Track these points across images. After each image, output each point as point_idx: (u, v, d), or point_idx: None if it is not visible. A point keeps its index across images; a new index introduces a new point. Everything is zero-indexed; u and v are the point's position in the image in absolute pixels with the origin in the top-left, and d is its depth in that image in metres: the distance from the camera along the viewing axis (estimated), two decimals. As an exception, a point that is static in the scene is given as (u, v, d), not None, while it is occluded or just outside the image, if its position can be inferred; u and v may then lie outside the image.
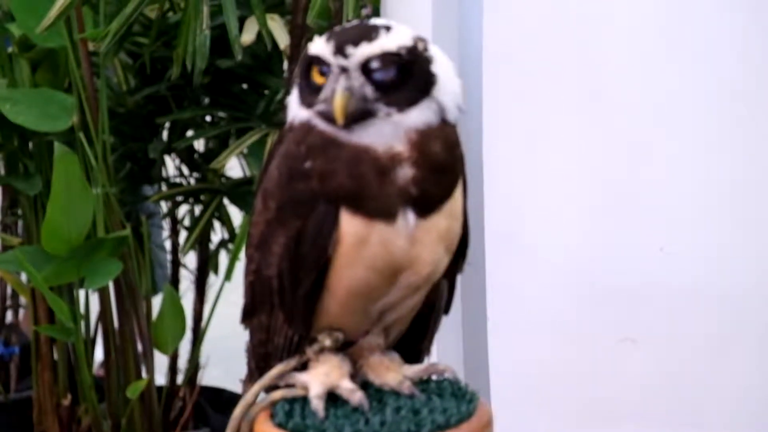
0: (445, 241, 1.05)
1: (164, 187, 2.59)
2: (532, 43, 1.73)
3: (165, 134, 2.55)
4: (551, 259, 1.74)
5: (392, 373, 1.10)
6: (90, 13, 2.16)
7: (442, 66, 1.03)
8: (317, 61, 1.03)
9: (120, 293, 2.32)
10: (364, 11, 1.94)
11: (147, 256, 2.35)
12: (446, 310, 1.18)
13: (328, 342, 1.08)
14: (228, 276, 2.39)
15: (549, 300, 1.74)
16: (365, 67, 1.01)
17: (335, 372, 1.08)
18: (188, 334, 2.52)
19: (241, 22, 2.05)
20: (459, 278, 1.18)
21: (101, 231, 2.16)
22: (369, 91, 1.00)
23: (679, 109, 1.68)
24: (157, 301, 2.45)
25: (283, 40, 2.06)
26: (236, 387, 2.53)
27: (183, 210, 2.67)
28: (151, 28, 2.22)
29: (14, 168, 2.42)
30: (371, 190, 0.99)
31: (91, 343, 2.41)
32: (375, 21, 1.03)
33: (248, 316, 1.15)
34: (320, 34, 1.04)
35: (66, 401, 2.46)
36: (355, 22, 1.05)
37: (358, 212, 1.01)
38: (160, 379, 2.56)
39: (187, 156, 2.58)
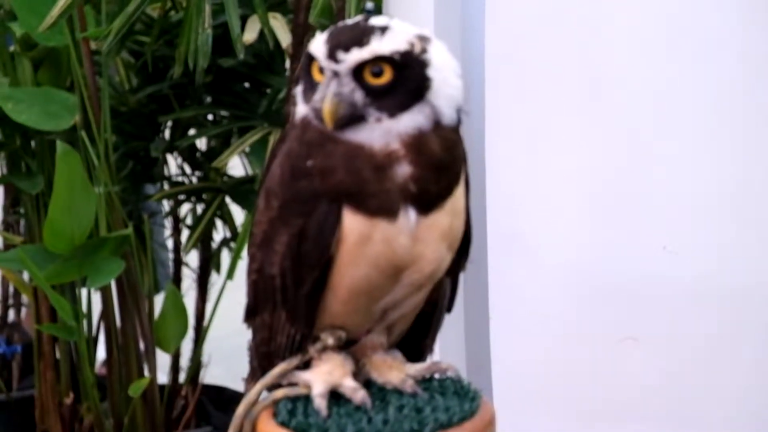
0: (448, 239, 1.05)
1: (166, 186, 2.60)
2: (535, 42, 1.73)
3: (167, 133, 2.55)
4: (553, 257, 1.74)
5: (395, 371, 1.10)
6: (92, 12, 2.16)
7: (440, 68, 1.02)
8: (315, 59, 1.03)
9: (122, 292, 2.32)
10: (369, 3, 1.93)
11: (149, 254, 2.35)
12: (449, 309, 1.18)
13: (330, 340, 1.08)
14: (230, 275, 2.39)
15: (551, 298, 1.74)
16: (356, 73, 1.00)
17: (338, 370, 1.08)
18: (190, 333, 2.53)
19: (243, 20, 2.05)
20: (461, 277, 1.18)
21: (103, 230, 2.16)
22: (359, 96, 1.00)
23: (681, 108, 1.68)
24: (159, 300, 2.46)
25: (285, 38, 2.06)
26: (238, 385, 2.53)
27: (185, 209, 2.67)
28: (153, 27, 2.22)
29: (16, 167, 2.42)
30: (370, 187, 0.99)
31: (93, 342, 2.41)
32: (374, 20, 1.02)
33: (251, 314, 1.15)
34: (323, 32, 1.04)
35: (68, 400, 2.46)
36: (355, 19, 1.04)
37: (360, 210, 1.00)
38: (163, 377, 2.56)
39: (189, 155, 2.58)
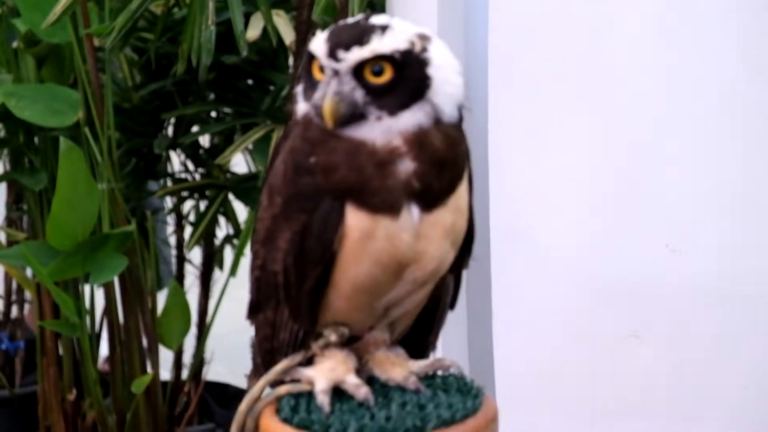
0: (451, 236, 1.05)
1: (169, 183, 2.60)
2: (537, 40, 1.73)
3: (170, 130, 2.55)
4: (556, 255, 1.74)
5: (398, 368, 1.10)
6: (95, 9, 2.17)
7: (440, 67, 1.02)
8: (316, 57, 1.03)
9: (125, 288, 2.32)
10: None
11: (152, 251, 2.35)
12: (452, 306, 1.18)
13: (333, 337, 1.08)
14: (233, 271, 2.40)
15: (554, 296, 1.74)
16: (356, 72, 1.00)
17: (341, 367, 1.08)
18: (193, 330, 2.53)
19: (247, 18, 2.05)
20: (464, 274, 1.18)
21: (106, 226, 2.16)
22: (360, 95, 1.00)
23: (683, 107, 1.68)
24: (162, 297, 2.46)
25: (288, 36, 2.06)
26: (241, 382, 2.54)
27: (188, 205, 2.67)
28: (156, 24, 2.22)
29: (20, 163, 2.43)
30: (373, 183, 0.99)
31: (96, 338, 2.42)
32: (374, 19, 1.02)
33: (254, 311, 1.15)
34: (325, 29, 1.04)
35: (71, 396, 2.46)
36: (356, 18, 1.04)
37: (363, 207, 1.00)
38: (165, 374, 2.56)
39: (193, 152, 2.58)
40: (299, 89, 1.06)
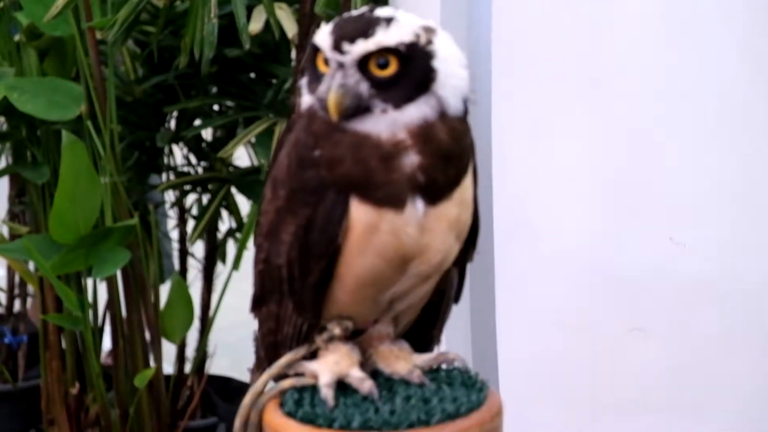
0: (456, 230, 1.05)
1: (172, 176, 2.59)
2: (541, 33, 1.73)
3: (173, 123, 2.55)
4: (560, 248, 1.74)
5: (402, 361, 1.10)
6: (97, 2, 2.15)
7: (445, 59, 1.02)
8: (320, 50, 1.03)
9: (128, 282, 2.32)
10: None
11: (155, 245, 2.35)
12: (456, 299, 1.18)
13: (337, 331, 1.08)
14: (236, 265, 2.39)
15: (558, 289, 1.74)
16: (361, 64, 1.00)
17: (345, 361, 1.08)
18: (196, 323, 2.53)
19: (249, 10, 2.04)
20: (468, 267, 1.17)
21: (109, 220, 2.16)
22: (365, 88, 1.00)
23: (687, 100, 1.68)
24: (165, 290, 2.46)
25: (291, 29, 2.05)
26: (244, 376, 2.54)
27: (191, 199, 2.67)
28: (158, 17, 2.22)
29: (22, 157, 2.42)
30: (378, 177, 0.99)
31: (99, 332, 2.42)
32: (379, 11, 1.02)
33: (257, 305, 1.14)
34: (328, 22, 1.04)
35: (74, 390, 2.46)
36: (360, 10, 1.04)
37: (367, 200, 1.00)
38: (168, 368, 2.56)
39: (195, 145, 2.58)
40: (303, 82, 1.06)
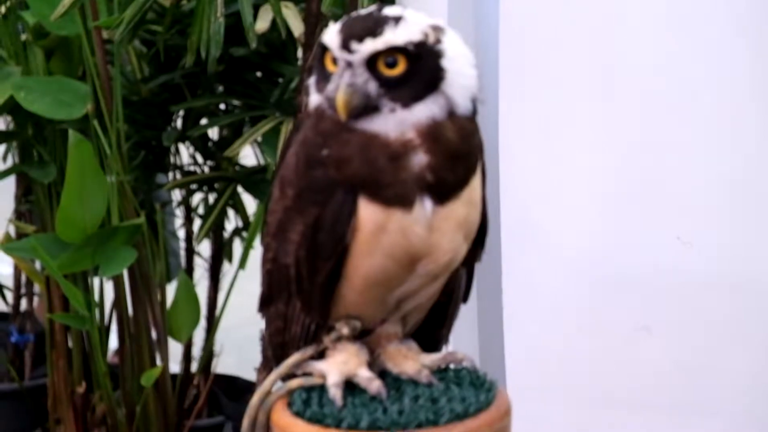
0: (464, 229, 1.05)
1: (178, 176, 2.59)
2: (548, 33, 1.72)
3: (179, 122, 2.55)
4: (567, 248, 1.74)
5: (410, 361, 1.10)
6: (104, 1, 2.16)
7: (454, 58, 1.01)
8: (329, 49, 1.02)
9: (134, 281, 2.32)
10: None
11: (161, 244, 2.35)
12: (465, 299, 1.17)
13: (345, 330, 1.08)
14: (242, 264, 2.39)
15: (565, 289, 1.74)
16: (370, 63, 1.00)
17: (353, 360, 1.08)
18: (202, 322, 2.53)
19: (256, 9, 2.04)
20: (476, 267, 1.17)
21: (115, 219, 2.16)
22: (373, 87, 1.00)
23: (695, 98, 1.67)
24: (171, 289, 2.46)
25: (297, 27, 2.05)
26: (250, 375, 2.54)
27: (197, 198, 2.67)
28: (165, 16, 2.22)
29: (29, 156, 2.43)
30: (386, 176, 0.99)
31: (105, 331, 2.41)
32: (387, 10, 1.02)
33: (265, 304, 1.14)
34: (335, 21, 1.04)
35: (80, 389, 2.47)
36: (368, 9, 1.03)
37: (376, 199, 1.00)
38: (175, 367, 2.56)
39: (201, 144, 2.58)
40: (311, 81, 1.05)
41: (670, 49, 1.67)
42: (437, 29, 1.01)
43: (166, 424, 2.41)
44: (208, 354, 2.60)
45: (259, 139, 2.27)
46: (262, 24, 2.06)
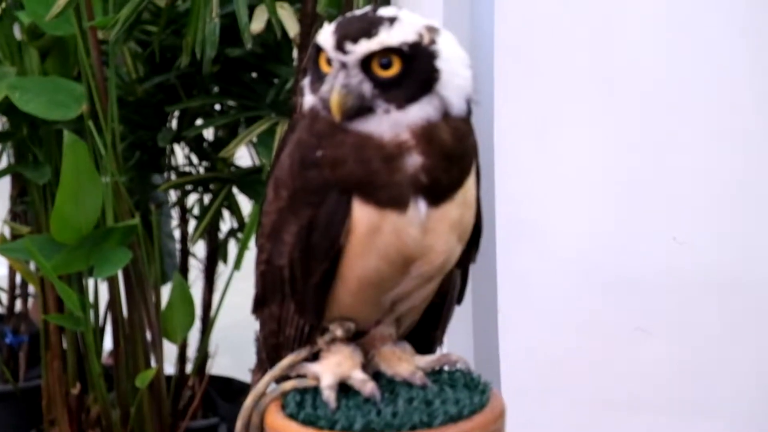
0: (458, 231, 1.04)
1: (173, 176, 2.59)
2: (544, 32, 1.72)
3: (174, 123, 2.55)
4: (563, 248, 1.74)
5: (404, 363, 1.10)
6: (99, 1, 2.15)
7: (449, 59, 1.01)
8: (323, 49, 1.02)
9: (129, 282, 2.32)
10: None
11: (156, 245, 2.34)
12: (459, 301, 1.17)
13: (339, 332, 1.08)
14: (237, 265, 2.39)
15: (560, 290, 1.74)
16: (364, 64, 0.99)
17: (347, 362, 1.07)
18: (197, 324, 2.53)
19: (251, 10, 2.04)
20: (470, 268, 1.17)
21: (110, 220, 2.16)
22: (367, 88, 0.99)
23: (692, 98, 1.67)
24: (166, 290, 2.45)
25: (293, 28, 2.05)
26: (245, 376, 2.53)
27: (192, 199, 2.67)
28: (160, 16, 2.21)
29: (23, 156, 2.42)
30: (380, 177, 0.99)
31: (100, 332, 2.41)
32: (382, 11, 1.01)
33: (259, 306, 1.14)
34: (330, 22, 1.03)
35: (75, 390, 2.46)
36: (363, 9, 1.03)
37: (370, 201, 1.00)
38: (169, 368, 2.56)
39: (197, 145, 2.58)
40: (306, 82, 1.05)
41: (669, 49, 1.67)
42: (432, 30, 1.01)
43: (160, 425, 2.41)
44: (203, 355, 2.59)
45: (255, 139, 2.27)
46: (258, 24, 2.06)
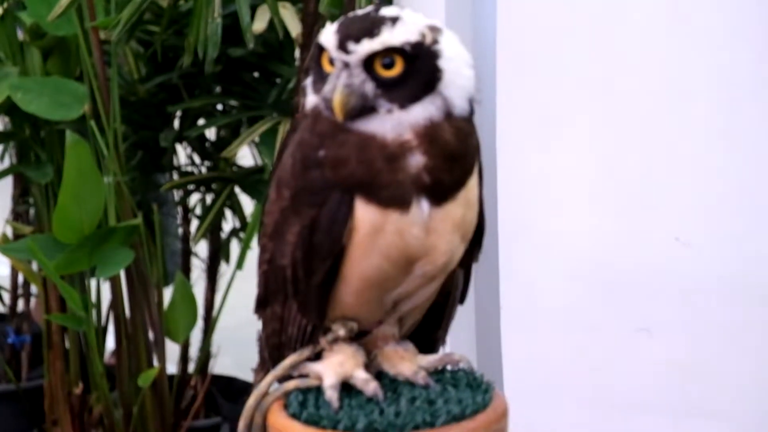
0: (461, 230, 1.04)
1: (176, 176, 2.59)
2: (546, 33, 1.72)
3: (176, 123, 2.55)
4: (565, 249, 1.74)
5: (407, 363, 1.10)
6: (101, 1, 2.15)
7: (451, 59, 1.01)
8: (325, 49, 1.02)
9: (131, 282, 2.32)
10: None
11: (158, 244, 2.34)
12: (462, 300, 1.17)
13: (342, 332, 1.08)
14: (239, 265, 2.39)
15: (563, 290, 1.74)
16: (367, 64, 0.99)
17: (349, 362, 1.07)
18: (199, 323, 2.53)
19: (253, 10, 2.04)
20: (473, 268, 1.17)
21: (113, 220, 2.16)
22: (370, 87, 0.99)
23: (693, 100, 1.67)
24: (168, 290, 2.45)
25: (294, 28, 2.05)
26: (247, 376, 2.53)
27: (194, 199, 2.67)
28: (162, 17, 2.21)
29: (26, 156, 2.42)
30: (383, 177, 0.99)
31: (102, 332, 2.41)
32: (384, 11, 1.01)
33: (262, 305, 1.14)
34: (332, 22, 1.03)
35: (77, 390, 2.46)
36: (365, 9, 1.03)
37: (372, 200, 1.00)
38: (172, 367, 2.56)
39: (199, 145, 2.58)
40: (308, 82, 1.05)
41: (671, 49, 1.67)
42: (434, 30, 1.01)
43: (163, 424, 2.41)
44: (205, 355, 2.60)
45: (257, 139, 2.27)
46: (260, 24, 2.06)
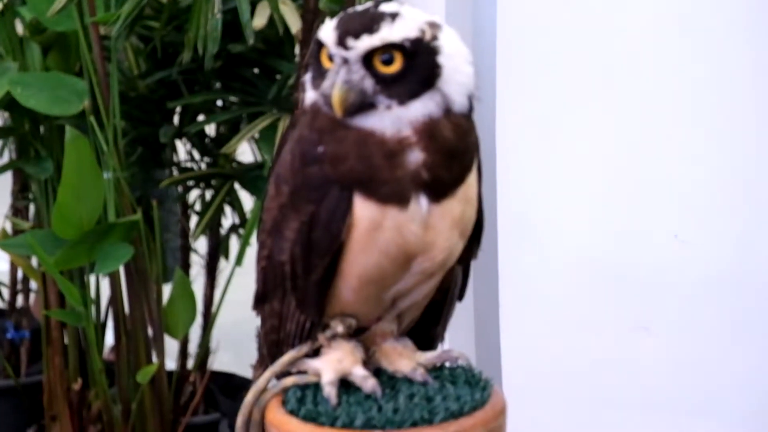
0: (460, 227, 1.04)
1: (175, 172, 2.59)
2: (546, 29, 1.72)
3: (176, 119, 2.54)
4: (564, 246, 1.74)
5: (405, 359, 1.10)
6: (101, -3, 2.15)
7: (451, 55, 1.01)
8: (325, 45, 1.02)
9: (131, 278, 2.32)
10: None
11: (158, 240, 2.34)
12: (460, 297, 1.17)
13: (340, 328, 1.08)
14: (239, 261, 2.39)
15: (561, 287, 1.74)
16: (366, 60, 0.99)
17: (348, 359, 1.07)
18: (199, 319, 2.52)
19: (253, 6, 2.04)
20: (472, 265, 1.17)
21: (112, 215, 2.16)
22: (369, 84, 0.99)
23: (693, 96, 1.67)
24: (167, 286, 2.45)
25: (294, 24, 2.05)
26: (247, 372, 2.53)
27: (194, 195, 2.66)
28: (162, 12, 2.21)
29: (25, 152, 2.42)
30: (382, 173, 0.99)
31: (101, 328, 2.41)
32: (384, 7, 1.01)
33: (260, 302, 1.14)
34: (332, 18, 1.03)
35: (76, 386, 2.46)
36: (365, 5, 1.03)
37: (371, 197, 1.00)
38: (171, 364, 2.56)
39: (199, 141, 2.57)
40: (307, 77, 1.05)
41: (671, 47, 1.67)
42: (434, 26, 1.01)
43: (162, 421, 2.41)
44: (205, 351, 2.59)
45: (256, 135, 2.27)
46: (260, 20, 2.06)
